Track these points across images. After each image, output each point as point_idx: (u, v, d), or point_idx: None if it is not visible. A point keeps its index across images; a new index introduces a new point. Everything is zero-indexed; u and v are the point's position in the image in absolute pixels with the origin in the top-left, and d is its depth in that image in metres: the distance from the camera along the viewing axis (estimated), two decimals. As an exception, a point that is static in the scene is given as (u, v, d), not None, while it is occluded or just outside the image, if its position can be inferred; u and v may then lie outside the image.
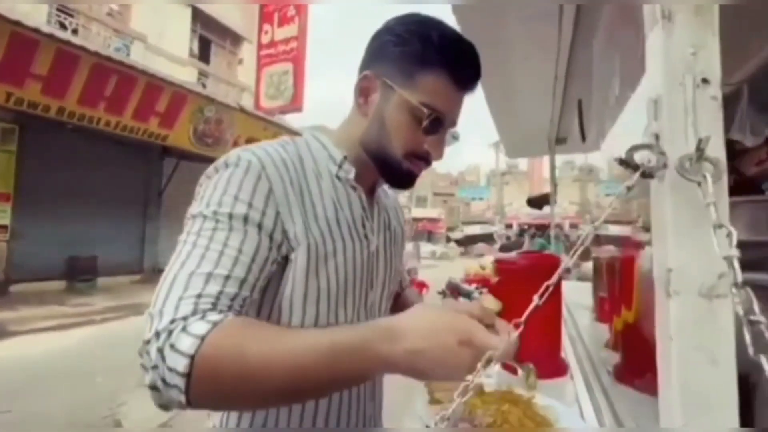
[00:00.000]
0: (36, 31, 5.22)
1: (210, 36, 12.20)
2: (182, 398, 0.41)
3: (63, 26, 8.01)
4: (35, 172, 7.49)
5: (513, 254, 0.89)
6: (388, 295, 0.71)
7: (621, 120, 1.53)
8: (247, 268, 0.50)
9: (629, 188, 0.32)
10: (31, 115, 6.19)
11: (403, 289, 0.85)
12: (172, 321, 0.43)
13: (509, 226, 26.67)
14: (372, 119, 0.62)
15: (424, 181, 35.89)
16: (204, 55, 12.01)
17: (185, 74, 10.30)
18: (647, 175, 0.32)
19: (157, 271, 10.24)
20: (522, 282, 0.80)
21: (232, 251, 0.49)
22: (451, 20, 1.45)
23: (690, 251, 0.30)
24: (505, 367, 0.80)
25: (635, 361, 0.68)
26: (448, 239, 33.34)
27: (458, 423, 0.57)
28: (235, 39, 12.87)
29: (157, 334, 0.43)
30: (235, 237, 0.50)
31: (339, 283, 0.59)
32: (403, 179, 0.63)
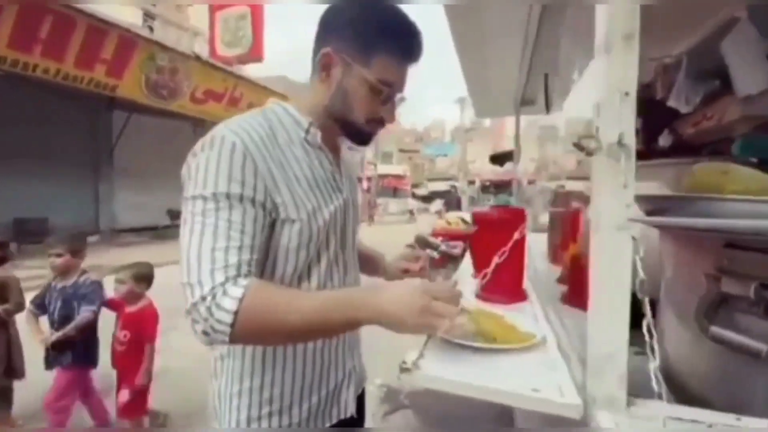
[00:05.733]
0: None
1: (153, -30, 10.92)
2: (226, 339, 0.56)
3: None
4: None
5: (486, 207, 1.08)
6: (356, 228, 0.84)
7: (577, 88, 1.75)
8: (251, 237, 0.61)
9: (579, 162, 0.50)
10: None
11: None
12: (213, 288, 0.56)
13: (472, 183, 27.53)
14: (335, 91, 0.70)
15: (390, 137, 35.51)
16: (148, -8, 10.81)
17: (128, 15, 9.28)
18: (589, 154, 0.49)
19: (115, 232, 9.80)
20: (493, 228, 1.01)
21: (237, 225, 0.59)
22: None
23: (610, 201, 0.49)
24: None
25: (578, 285, 0.92)
26: (414, 195, 33.93)
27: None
28: (183, -25, 11.62)
29: (203, 298, 0.55)
30: (237, 213, 0.60)
31: (323, 227, 0.70)
32: (364, 140, 0.75)
